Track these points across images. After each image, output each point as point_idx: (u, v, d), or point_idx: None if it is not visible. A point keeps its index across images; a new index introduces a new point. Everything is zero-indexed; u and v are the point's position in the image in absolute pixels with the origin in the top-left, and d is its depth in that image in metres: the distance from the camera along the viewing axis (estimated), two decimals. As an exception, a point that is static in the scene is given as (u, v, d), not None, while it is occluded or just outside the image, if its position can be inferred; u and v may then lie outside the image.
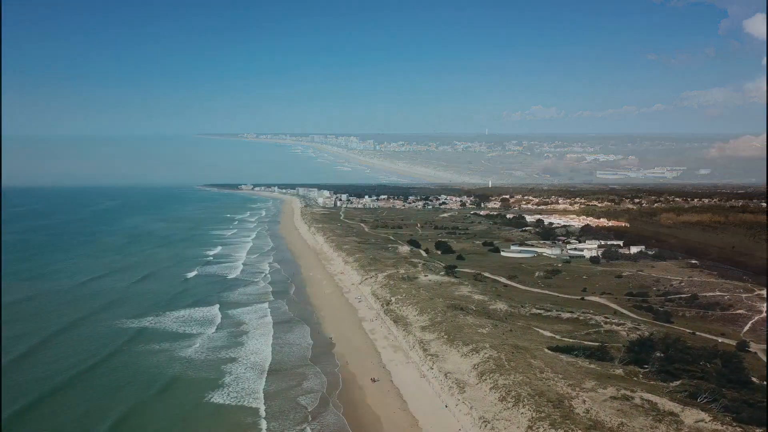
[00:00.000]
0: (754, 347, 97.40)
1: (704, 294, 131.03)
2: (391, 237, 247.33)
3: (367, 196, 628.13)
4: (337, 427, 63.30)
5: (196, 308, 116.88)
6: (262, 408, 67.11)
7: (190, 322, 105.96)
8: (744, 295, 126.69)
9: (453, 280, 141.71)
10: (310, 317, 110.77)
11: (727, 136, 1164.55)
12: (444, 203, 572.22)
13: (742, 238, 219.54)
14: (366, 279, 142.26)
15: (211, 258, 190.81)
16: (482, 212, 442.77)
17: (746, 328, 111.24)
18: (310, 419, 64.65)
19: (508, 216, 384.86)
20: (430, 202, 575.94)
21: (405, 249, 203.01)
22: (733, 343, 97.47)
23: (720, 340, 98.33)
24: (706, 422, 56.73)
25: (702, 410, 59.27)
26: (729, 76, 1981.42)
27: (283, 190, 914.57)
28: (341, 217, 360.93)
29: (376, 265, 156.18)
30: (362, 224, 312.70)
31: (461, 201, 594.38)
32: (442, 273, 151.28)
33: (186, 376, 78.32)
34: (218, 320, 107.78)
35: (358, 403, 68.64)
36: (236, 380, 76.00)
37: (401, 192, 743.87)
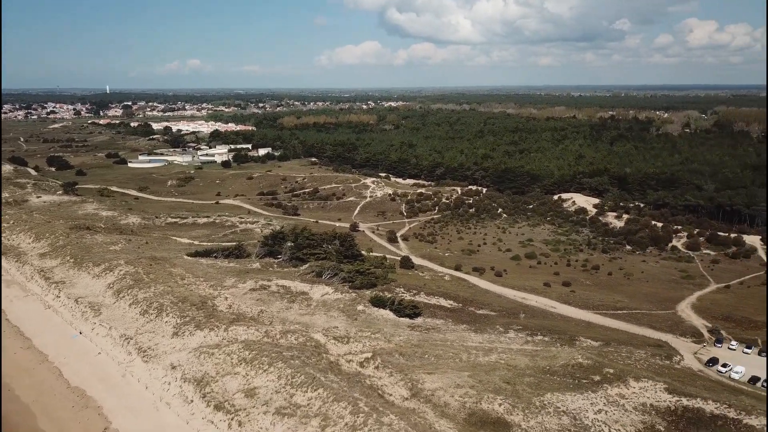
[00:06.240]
0: (362, 227, 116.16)
1: (323, 187, 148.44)
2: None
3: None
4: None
5: None
6: None
7: None
8: (353, 185, 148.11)
9: (74, 198, 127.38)
10: None
11: (335, 44, 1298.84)
12: (53, 112, 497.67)
13: (350, 136, 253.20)
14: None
15: None
16: (102, 121, 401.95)
17: (356, 211, 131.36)
18: None
19: (132, 124, 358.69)
20: (34, 112, 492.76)
21: (7, 168, 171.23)
22: (347, 225, 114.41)
23: (337, 225, 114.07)
24: (330, 294, 66.10)
25: (326, 285, 68.70)
26: None
27: None
28: None
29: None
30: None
31: (75, 109, 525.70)
32: (60, 192, 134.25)
33: None
34: None
35: (-37, 355, 56.98)
36: None
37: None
